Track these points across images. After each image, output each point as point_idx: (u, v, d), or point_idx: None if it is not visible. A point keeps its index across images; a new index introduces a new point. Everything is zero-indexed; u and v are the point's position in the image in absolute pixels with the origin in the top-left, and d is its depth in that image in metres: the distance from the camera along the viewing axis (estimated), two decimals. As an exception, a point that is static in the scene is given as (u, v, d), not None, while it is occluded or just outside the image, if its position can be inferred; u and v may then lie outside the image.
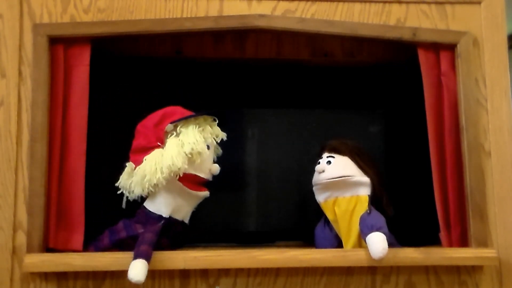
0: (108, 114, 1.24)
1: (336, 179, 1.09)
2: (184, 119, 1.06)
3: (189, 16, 1.12)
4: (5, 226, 1.02)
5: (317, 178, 1.12)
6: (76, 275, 1.03)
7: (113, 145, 1.24)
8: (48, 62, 1.06)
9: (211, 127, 1.09)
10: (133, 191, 1.04)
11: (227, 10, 1.12)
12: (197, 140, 1.04)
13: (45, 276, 1.02)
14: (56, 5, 1.09)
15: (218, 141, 1.10)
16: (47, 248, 1.03)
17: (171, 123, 1.05)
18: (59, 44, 1.08)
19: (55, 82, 1.06)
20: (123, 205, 1.06)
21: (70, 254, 1.01)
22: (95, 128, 1.12)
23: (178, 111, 1.08)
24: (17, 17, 1.08)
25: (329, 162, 1.11)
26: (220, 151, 1.14)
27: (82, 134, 1.06)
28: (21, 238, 1.02)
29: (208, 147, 1.07)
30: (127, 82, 1.29)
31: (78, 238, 1.04)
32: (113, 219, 1.10)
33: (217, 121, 1.11)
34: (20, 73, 1.06)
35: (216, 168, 1.08)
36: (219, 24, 1.11)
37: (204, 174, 1.06)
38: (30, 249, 1.01)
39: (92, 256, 1.01)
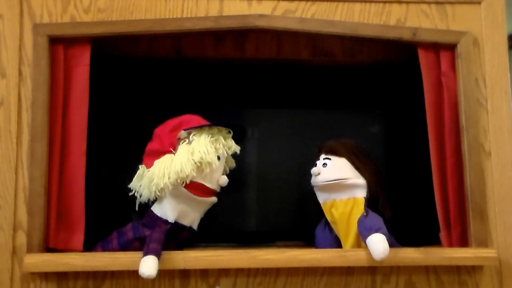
0: (108, 114, 1.24)
1: (331, 182, 1.10)
2: (198, 128, 1.06)
3: (189, 16, 1.12)
4: (5, 226, 1.02)
5: (314, 180, 1.13)
6: (76, 275, 1.03)
7: (113, 145, 1.25)
8: (48, 62, 1.06)
9: (225, 139, 1.09)
10: (141, 193, 1.05)
11: (227, 10, 1.12)
12: (207, 150, 1.03)
13: (45, 276, 1.02)
14: (56, 5, 1.09)
15: (231, 154, 1.10)
16: (47, 248, 1.03)
17: (184, 130, 1.05)
18: (59, 44, 1.08)
19: (55, 82, 1.06)
20: (136, 207, 1.07)
21: (70, 254, 1.01)
22: (95, 128, 1.12)
23: (195, 119, 1.08)
24: (17, 17, 1.07)
25: (325, 165, 1.12)
26: (233, 164, 1.14)
27: (82, 134, 1.06)
28: (21, 238, 1.02)
29: (219, 158, 1.06)
30: (127, 82, 1.29)
31: (78, 238, 1.04)
32: (113, 219, 1.10)
33: (232, 134, 1.10)
34: (20, 73, 1.06)
35: (224, 180, 1.07)
36: (219, 24, 1.11)
37: (212, 185, 1.06)
38: (30, 249, 1.01)
39: (92, 256, 1.01)
